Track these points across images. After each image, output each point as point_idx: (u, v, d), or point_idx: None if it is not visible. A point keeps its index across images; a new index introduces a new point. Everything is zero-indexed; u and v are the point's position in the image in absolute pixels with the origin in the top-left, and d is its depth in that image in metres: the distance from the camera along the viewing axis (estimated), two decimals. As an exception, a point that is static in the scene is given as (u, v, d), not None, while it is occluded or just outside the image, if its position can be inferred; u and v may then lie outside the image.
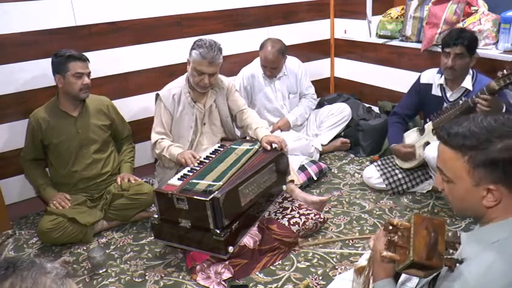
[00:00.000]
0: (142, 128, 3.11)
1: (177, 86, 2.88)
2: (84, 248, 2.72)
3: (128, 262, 2.57)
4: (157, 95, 2.87)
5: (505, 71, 2.53)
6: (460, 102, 2.78)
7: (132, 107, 3.35)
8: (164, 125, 2.84)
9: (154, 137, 2.85)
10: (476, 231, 1.22)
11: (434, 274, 1.57)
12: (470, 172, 1.16)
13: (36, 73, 2.95)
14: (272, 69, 3.46)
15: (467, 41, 2.70)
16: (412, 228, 1.30)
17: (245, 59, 3.71)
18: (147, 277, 2.42)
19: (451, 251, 1.32)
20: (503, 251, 1.13)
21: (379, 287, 1.41)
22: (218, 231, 2.29)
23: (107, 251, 2.66)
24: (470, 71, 2.83)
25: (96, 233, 2.85)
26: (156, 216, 2.48)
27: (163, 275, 2.43)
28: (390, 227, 1.40)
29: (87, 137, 2.85)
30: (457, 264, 1.21)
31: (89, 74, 2.76)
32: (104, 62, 3.15)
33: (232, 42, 3.70)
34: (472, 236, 1.22)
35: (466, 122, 1.19)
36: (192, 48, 2.75)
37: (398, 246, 1.35)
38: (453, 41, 2.72)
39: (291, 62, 3.61)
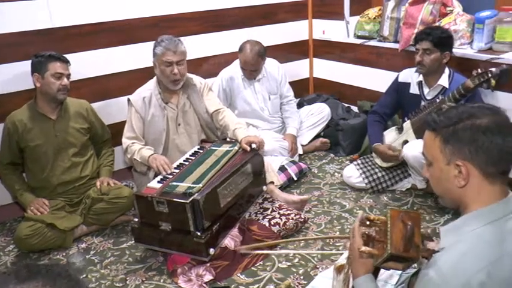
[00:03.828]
0: (122, 131, 3.07)
1: (147, 89, 2.89)
2: (64, 254, 2.68)
3: (108, 267, 2.54)
4: (128, 99, 2.87)
5: (479, 69, 2.60)
6: (437, 100, 2.84)
7: (112, 110, 3.32)
8: (135, 129, 2.83)
9: (125, 142, 2.85)
10: (453, 222, 1.26)
11: (415, 270, 1.59)
12: (442, 150, 1.23)
13: (13, 76, 2.90)
14: (252, 72, 3.46)
15: (433, 37, 2.79)
16: (389, 221, 1.32)
17: (225, 60, 3.70)
18: (128, 282, 2.40)
19: (427, 243, 1.35)
20: (478, 239, 1.16)
21: (359, 284, 1.43)
22: (199, 234, 2.29)
23: (86, 256, 2.64)
24: (447, 70, 2.89)
25: (76, 238, 2.81)
26: (136, 219, 2.46)
27: (144, 279, 2.41)
28: (367, 222, 1.41)
29: (65, 140, 2.81)
30: (435, 254, 1.23)
31: (68, 76, 2.74)
32: (82, 64, 3.11)
33: (211, 43, 3.70)
34: (449, 228, 1.26)
35: (449, 109, 1.27)
36: (154, 48, 2.81)
37: (376, 241, 1.37)
38: (420, 36, 2.86)
39: (270, 64, 3.61)
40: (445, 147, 1.22)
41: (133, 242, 2.62)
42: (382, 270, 1.77)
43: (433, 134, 1.26)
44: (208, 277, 2.33)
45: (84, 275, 2.46)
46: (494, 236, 1.16)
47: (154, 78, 2.91)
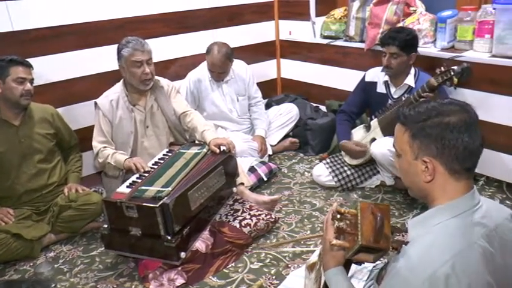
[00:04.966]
0: (89, 136, 3.02)
1: (114, 92, 2.85)
2: (31, 264, 2.61)
3: (78, 275, 2.49)
4: (95, 103, 2.83)
5: (442, 68, 2.66)
6: (403, 98, 2.89)
7: (78, 115, 3.25)
8: (105, 133, 2.80)
9: (96, 146, 2.80)
10: (420, 215, 1.29)
11: (383, 264, 1.62)
12: (410, 144, 1.26)
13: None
14: (219, 74, 3.46)
15: (399, 41, 2.82)
16: (359, 214, 1.34)
17: (191, 62, 3.69)
18: (98, 289, 2.37)
19: (396, 235, 1.38)
20: (443, 232, 1.19)
21: (330, 276, 1.44)
22: (169, 238, 2.27)
23: (55, 266, 2.58)
24: (413, 70, 2.95)
25: (44, 247, 2.74)
26: (106, 226, 2.42)
27: (115, 286, 2.37)
28: (338, 216, 1.43)
29: (30, 147, 2.74)
30: (403, 246, 1.26)
31: (31, 81, 2.67)
32: (46, 68, 3.04)
33: (177, 45, 3.68)
34: (417, 220, 1.28)
35: (420, 104, 1.30)
36: (120, 50, 2.76)
37: (347, 233, 1.39)
38: (386, 41, 2.88)
39: (238, 66, 3.61)
40: (413, 142, 1.25)
41: (103, 248, 2.56)
42: (358, 268, 1.78)
43: (402, 128, 1.28)
44: (180, 281, 2.31)
45: (53, 285, 2.40)
46: (459, 229, 1.19)
47: (121, 81, 2.87)
